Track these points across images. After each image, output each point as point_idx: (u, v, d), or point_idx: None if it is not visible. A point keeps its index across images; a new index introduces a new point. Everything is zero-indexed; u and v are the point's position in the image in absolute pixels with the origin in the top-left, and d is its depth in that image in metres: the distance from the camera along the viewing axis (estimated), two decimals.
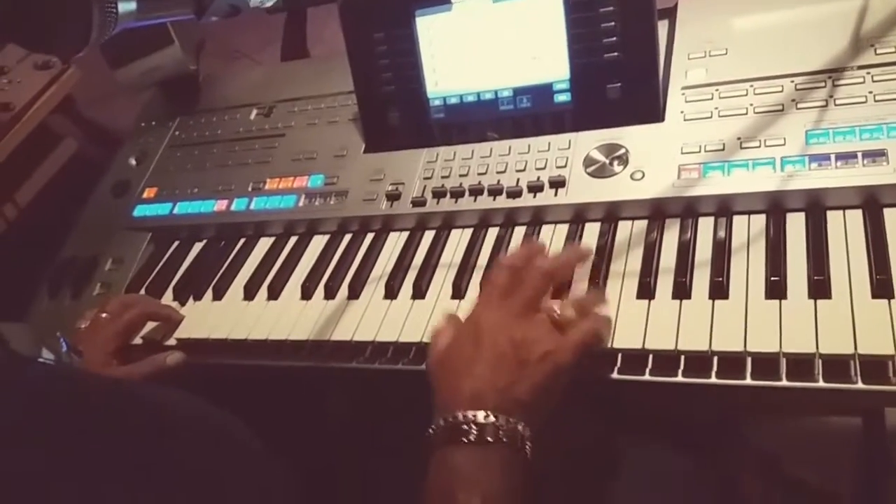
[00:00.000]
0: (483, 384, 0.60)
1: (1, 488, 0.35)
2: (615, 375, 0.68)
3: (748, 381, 0.63)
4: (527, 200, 0.83)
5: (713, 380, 0.64)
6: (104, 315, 0.87)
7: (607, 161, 0.82)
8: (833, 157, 0.72)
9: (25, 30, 0.46)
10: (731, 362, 0.64)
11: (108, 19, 0.51)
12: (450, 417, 0.58)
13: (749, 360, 0.63)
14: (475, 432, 0.57)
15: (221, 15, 0.64)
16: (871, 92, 0.75)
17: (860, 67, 0.77)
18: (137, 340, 0.88)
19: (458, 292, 0.79)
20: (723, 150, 0.77)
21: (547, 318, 0.65)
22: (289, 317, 0.84)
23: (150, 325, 0.89)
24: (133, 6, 0.54)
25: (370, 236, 0.91)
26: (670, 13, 0.91)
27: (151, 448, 0.43)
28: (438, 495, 0.57)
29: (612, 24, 0.83)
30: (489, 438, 0.57)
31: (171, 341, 0.87)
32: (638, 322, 0.68)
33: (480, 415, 0.57)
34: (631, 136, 0.83)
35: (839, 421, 1.17)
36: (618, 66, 0.84)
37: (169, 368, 0.83)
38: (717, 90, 0.82)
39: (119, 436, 0.43)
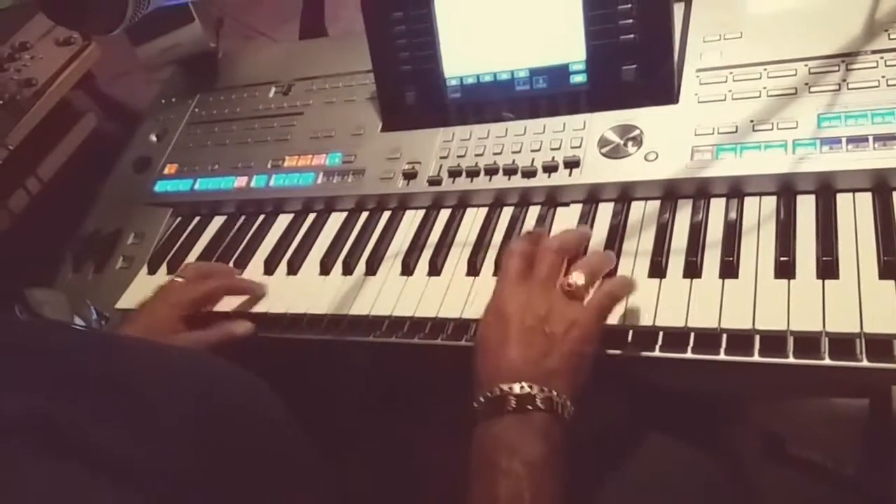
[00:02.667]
0: (516, 360, 0.63)
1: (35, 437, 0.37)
2: (626, 352, 0.70)
3: (756, 357, 0.65)
4: (541, 180, 0.85)
5: (722, 356, 0.66)
6: (180, 279, 0.86)
7: (621, 142, 0.83)
8: (844, 140, 0.73)
9: (66, 8, 0.48)
10: (740, 339, 0.66)
11: None
12: (488, 392, 0.62)
13: (757, 337, 0.65)
14: (514, 402, 0.60)
15: None
16: (883, 76, 0.76)
17: (874, 52, 0.78)
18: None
19: (473, 269, 0.81)
20: (736, 132, 0.78)
21: (562, 292, 0.68)
22: (308, 291, 0.86)
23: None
24: None
25: (387, 214, 0.93)
26: None
27: (174, 410, 0.44)
28: (481, 463, 0.60)
29: (629, 5, 0.84)
30: (528, 406, 0.60)
31: (267, 315, 0.86)
32: (649, 300, 0.70)
33: (517, 386, 0.61)
34: (645, 118, 0.84)
35: (846, 403, 1.19)
36: (633, 47, 0.85)
37: (238, 337, 0.83)
38: (731, 73, 0.83)
39: (149, 399, 0.44)
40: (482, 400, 0.62)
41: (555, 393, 0.61)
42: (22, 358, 0.42)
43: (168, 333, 0.81)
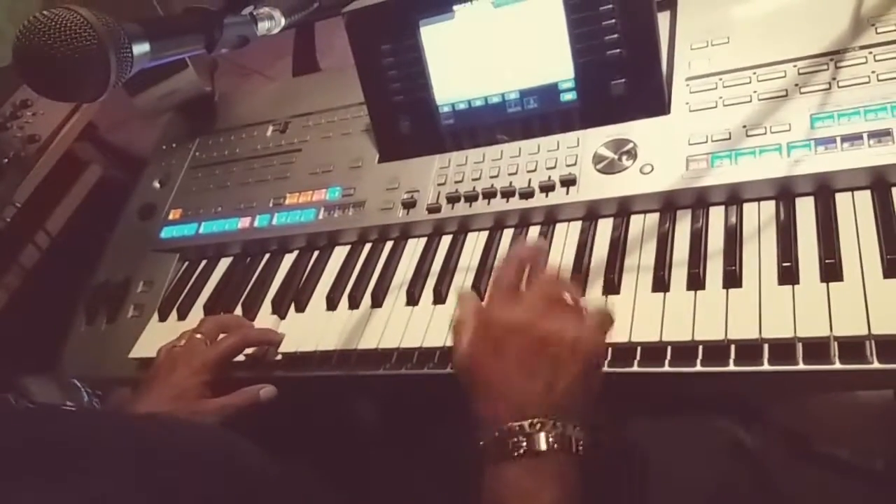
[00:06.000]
0: (521, 391, 0.59)
1: None
2: (635, 368, 0.69)
3: (765, 367, 0.65)
4: (539, 200, 0.85)
5: (731, 367, 0.66)
6: (199, 336, 0.85)
7: (616, 156, 0.83)
8: (839, 139, 0.73)
9: (49, 83, 0.49)
10: (748, 350, 0.65)
11: (124, 63, 0.54)
12: (496, 432, 0.58)
13: (766, 346, 0.65)
14: (524, 445, 0.56)
15: (231, 46, 0.66)
16: (873, 72, 0.75)
17: (862, 48, 0.78)
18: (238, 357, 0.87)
19: (478, 295, 0.81)
20: (729, 138, 0.78)
21: (564, 304, 0.64)
22: (316, 328, 0.86)
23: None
24: (147, 48, 0.57)
25: (389, 244, 0.93)
26: (671, 4, 0.92)
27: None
28: None
29: (613, 21, 0.84)
30: (541, 447, 0.56)
31: (278, 357, 0.86)
32: (654, 315, 0.70)
33: (526, 424, 0.57)
34: (638, 131, 0.84)
35: (869, 395, 1.17)
36: (621, 61, 0.85)
37: (262, 402, 0.82)
38: (720, 79, 0.83)
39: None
40: (489, 439, 0.58)
41: (569, 426, 0.57)
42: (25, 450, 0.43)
43: (195, 400, 0.80)
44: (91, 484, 0.41)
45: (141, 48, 0.55)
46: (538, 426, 0.57)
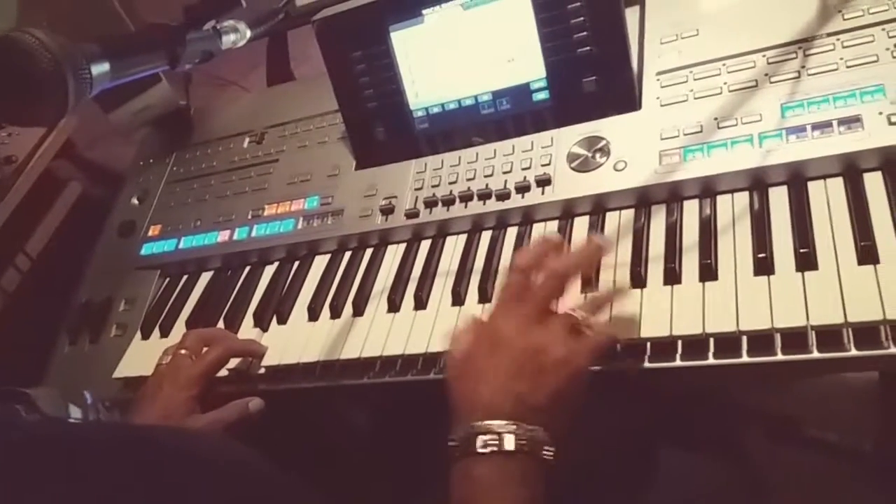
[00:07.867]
0: (499, 392, 0.60)
1: None
2: (614, 366, 0.69)
3: (744, 358, 0.65)
4: (515, 201, 0.85)
5: (710, 361, 0.66)
6: (183, 352, 0.84)
7: (589, 154, 0.83)
8: (809, 127, 0.73)
9: (6, 108, 0.49)
10: (727, 342, 0.65)
11: (83, 84, 0.53)
12: (468, 427, 0.59)
13: (744, 338, 0.65)
14: (493, 442, 0.57)
15: (196, 61, 0.66)
16: (841, 58, 0.76)
17: (829, 35, 0.78)
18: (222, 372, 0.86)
19: (458, 299, 0.81)
20: (701, 132, 0.78)
21: (563, 322, 0.64)
22: (298, 340, 0.86)
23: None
24: (106, 67, 0.56)
25: (369, 252, 0.93)
26: None
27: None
28: None
29: (581, 18, 0.84)
30: (509, 447, 0.57)
31: (261, 370, 0.86)
32: (633, 311, 0.69)
33: (497, 423, 0.58)
34: (610, 128, 0.84)
35: (855, 377, 1.18)
36: (591, 59, 0.85)
37: (252, 415, 0.82)
38: (690, 72, 0.83)
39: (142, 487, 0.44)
40: (461, 435, 0.59)
41: (539, 431, 0.58)
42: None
43: (184, 417, 0.79)
44: (98, 492, 0.41)
45: (100, 68, 0.55)
46: (510, 427, 0.58)
